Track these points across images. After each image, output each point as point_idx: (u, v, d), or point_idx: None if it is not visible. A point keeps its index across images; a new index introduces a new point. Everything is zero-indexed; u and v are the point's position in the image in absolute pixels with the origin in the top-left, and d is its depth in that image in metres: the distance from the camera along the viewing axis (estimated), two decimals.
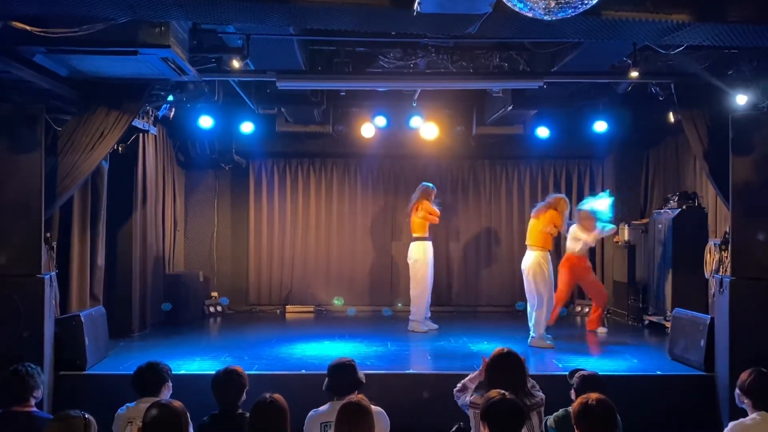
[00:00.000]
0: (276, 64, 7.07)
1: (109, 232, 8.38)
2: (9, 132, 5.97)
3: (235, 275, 11.33)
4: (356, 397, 3.75)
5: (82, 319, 6.68)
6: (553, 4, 3.54)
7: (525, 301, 8.56)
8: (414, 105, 9.59)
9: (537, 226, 8.41)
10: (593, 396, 3.53)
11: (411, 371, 7.03)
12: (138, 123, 8.08)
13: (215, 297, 11.12)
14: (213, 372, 4.48)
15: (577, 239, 8.95)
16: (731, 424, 4.56)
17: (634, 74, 6.67)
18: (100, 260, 8.08)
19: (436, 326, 9.33)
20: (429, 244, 9.39)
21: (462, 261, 11.43)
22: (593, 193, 11.34)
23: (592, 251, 10.27)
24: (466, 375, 4.53)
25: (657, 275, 9.46)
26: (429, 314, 9.45)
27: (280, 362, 7.28)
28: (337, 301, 11.20)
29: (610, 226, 9.20)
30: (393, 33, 6.37)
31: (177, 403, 3.58)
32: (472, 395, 4.23)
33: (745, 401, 4.65)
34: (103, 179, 8.07)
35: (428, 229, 9.38)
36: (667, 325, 8.15)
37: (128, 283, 8.81)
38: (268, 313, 11.08)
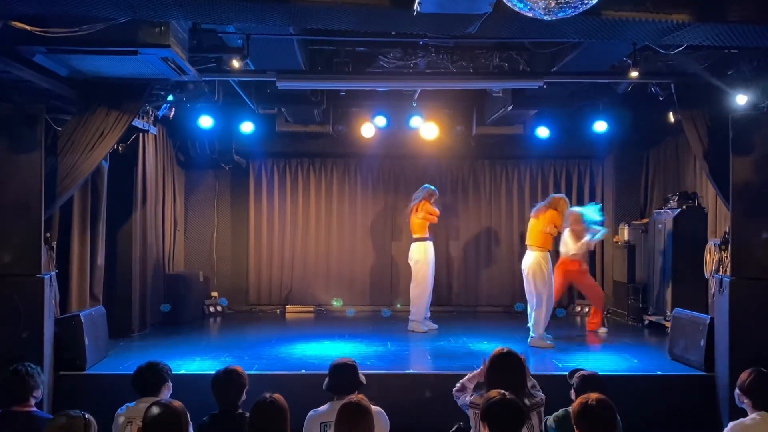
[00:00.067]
0: (276, 64, 7.07)
1: (109, 232, 8.38)
2: (9, 132, 5.97)
3: (235, 275, 11.33)
4: (356, 397, 3.74)
5: (82, 319, 6.68)
6: (553, 4, 3.54)
7: (525, 301, 8.56)
8: (414, 105, 9.59)
9: (537, 226, 8.41)
10: (593, 396, 3.53)
11: (411, 371, 7.04)
12: (138, 123, 8.08)
13: (215, 297, 11.12)
14: (213, 372, 4.48)
15: (565, 243, 8.99)
16: (731, 424, 4.55)
17: (634, 74, 6.67)
18: (100, 260, 8.08)
19: (435, 326, 9.33)
20: (430, 245, 9.39)
21: (462, 261, 11.43)
22: (593, 193, 11.41)
23: (591, 252, 10.30)
24: (466, 375, 4.53)
25: (657, 275, 9.46)
26: (429, 314, 9.45)
27: (280, 362, 7.28)
28: (336, 302, 11.20)
29: (601, 234, 9.26)
30: (393, 33, 6.37)
31: (177, 403, 3.58)
32: (471, 395, 4.23)
33: (745, 401, 4.65)
34: (103, 179, 8.07)
35: (428, 230, 9.38)
36: (667, 325, 8.15)
37: (128, 283, 8.81)
38: (268, 313, 11.08)
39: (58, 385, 6.31)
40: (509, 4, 3.65)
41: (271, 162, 11.37)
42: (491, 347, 5.18)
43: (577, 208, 9.31)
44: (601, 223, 9.38)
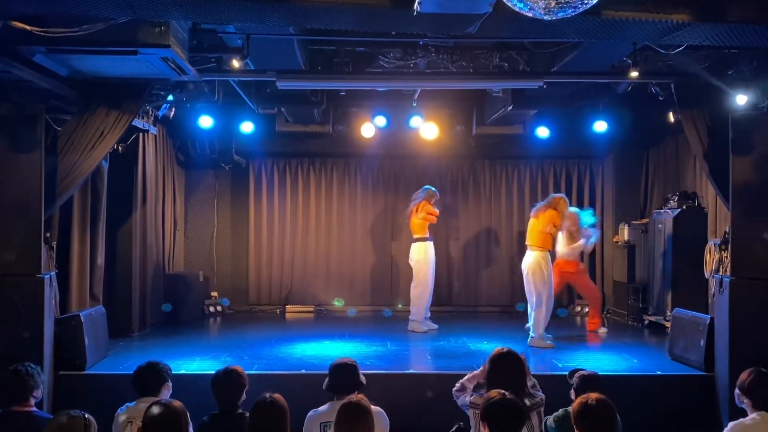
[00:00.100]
0: (276, 64, 7.07)
1: (109, 232, 8.38)
2: (9, 132, 5.97)
3: (235, 275, 11.33)
4: (356, 396, 3.74)
5: (82, 318, 6.68)
6: (553, 4, 3.54)
7: (525, 301, 8.56)
8: (414, 105, 9.58)
9: (536, 226, 8.41)
10: (593, 396, 3.53)
11: (411, 371, 7.04)
12: (138, 123, 8.08)
13: (215, 297, 11.12)
14: (213, 372, 4.48)
15: (558, 243, 9.02)
16: (731, 424, 4.55)
17: (634, 74, 6.67)
18: (100, 260, 8.08)
19: (435, 326, 9.33)
20: (430, 245, 9.39)
21: (462, 261, 11.43)
22: (593, 193, 11.41)
23: (591, 252, 10.31)
24: (466, 375, 4.53)
25: (657, 275, 9.46)
26: (429, 314, 9.45)
27: (280, 362, 7.28)
28: (338, 302, 11.20)
29: (595, 238, 9.34)
30: (393, 33, 6.37)
31: (177, 403, 3.58)
32: (471, 395, 4.23)
33: (745, 401, 4.65)
34: (103, 179, 8.07)
35: (428, 230, 9.38)
36: (667, 325, 8.15)
37: (128, 283, 8.81)
38: (268, 313, 11.08)
39: (58, 385, 6.31)
40: (509, 4, 3.65)
41: (271, 162, 11.37)
42: (491, 347, 5.18)
43: (573, 209, 9.31)
44: (595, 225, 9.39)
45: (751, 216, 6.26)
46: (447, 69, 7.29)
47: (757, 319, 6.10)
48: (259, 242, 11.31)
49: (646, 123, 9.91)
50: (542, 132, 10.41)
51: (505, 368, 4.20)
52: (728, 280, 6.28)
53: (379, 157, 11.27)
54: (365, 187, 11.45)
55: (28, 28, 5.15)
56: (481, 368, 4.35)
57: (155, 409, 3.49)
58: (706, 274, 8.06)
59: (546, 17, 3.63)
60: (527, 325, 8.43)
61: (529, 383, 4.28)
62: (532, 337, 8.20)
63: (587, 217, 9.32)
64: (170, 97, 7.93)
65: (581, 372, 4.72)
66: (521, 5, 3.60)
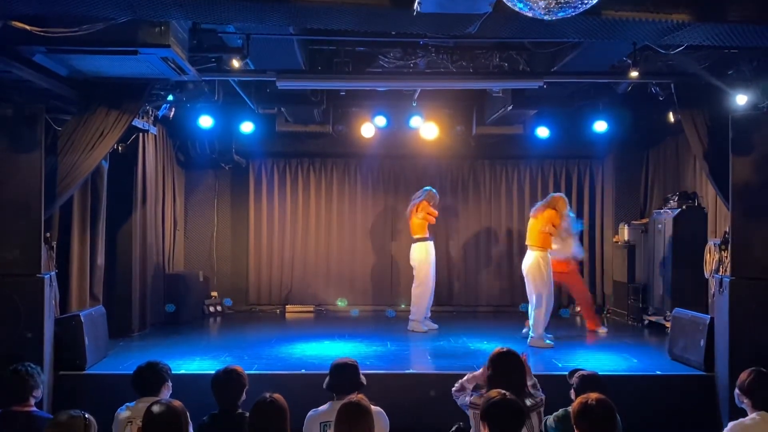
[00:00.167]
0: (276, 64, 7.07)
1: (108, 232, 8.38)
2: (9, 132, 5.97)
3: (235, 275, 11.33)
4: (356, 396, 3.74)
5: (82, 318, 6.68)
6: (553, 4, 3.54)
7: (527, 302, 8.56)
8: (414, 105, 9.58)
9: (536, 225, 8.41)
10: (593, 396, 3.53)
11: (411, 371, 7.04)
12: (138, 123, 8.08)
13: (215, 297, 11.12)
14: (213, 372, 4.48)
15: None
16: (731, 424, 4.55)
17: (634, 74, 6.67)
18: (100, 260, 8.08)
19: (435, 326, 9.33)
20: (431, 244, 9.39)
21: (462, 261, 11.43)
22: (593, 193, 11.41)
23: (591, 251, 10.31)
24: (465, 375, 4.53)
25: (657, 275, 9.46)
26: (429, 314, 9.45)
27: (280, 362, 7.28)
28: (341, 303, 11.20)
29: (581, 254, 9.44)
30: (393, 33, 6.37)
31: (177, 403, 3.58)
32: (471, 395, 4.23)
33: (745, 401, 4.65)
34: (103, 179, 8.07)
35: (428, 230, 9.38)
36: (667, 325, 8.15)
37: (128, 282, 8.81)
38: (268, 313, 11.08)
39: (58, 385, 6.31)
40: (509, 4, 3.65)
41: (271, 162, 11.36)
42: (491, 347, 5.18)
43: (571, 213, 9.30)
44: (578, 233, 9.43)
45: (751, 216, 6.26)
46: (447, 69, 7.29)
47: (757, 319, 6.10)
48: (259, 242, 11.31)
49: (646, 123, 9.91)
50: (542, 132, 10.40)
51: (506, 368, 4.20)
52: (728, 280, 6.28)
53: (379, 157, 11.26)
54: (365, 187, 11.45)
55: (28, 28, 5.15)
56: (481, 370, 4.35)
57: (155, 409, 3.50)
58: (706, 274, 8.06)
59: (546, 17, 3.63)
60: (524, 330, 8.45)
61: (529, 383, 4.29)
62: (532, 336, 8.20)
63: (577, 225, 9.31)
64: (170, 97, 7.92)
65: (581, 372, 4.72)
66: (521, 5, 3.60)
